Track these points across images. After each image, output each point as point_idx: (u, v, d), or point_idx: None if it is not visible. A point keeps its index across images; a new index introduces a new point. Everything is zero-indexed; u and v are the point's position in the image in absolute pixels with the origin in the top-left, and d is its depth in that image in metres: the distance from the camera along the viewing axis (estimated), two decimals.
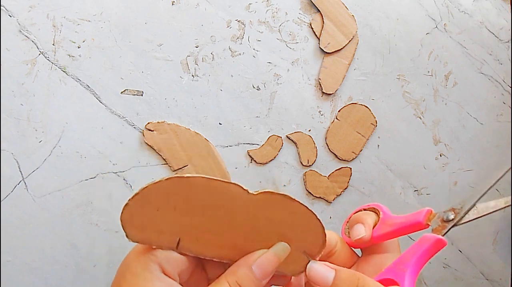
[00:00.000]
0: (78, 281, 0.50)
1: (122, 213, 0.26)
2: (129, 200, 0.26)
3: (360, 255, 0.32)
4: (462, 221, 0.27)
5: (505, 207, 0.26)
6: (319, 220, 0.28)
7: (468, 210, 0.27)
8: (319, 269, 0.26)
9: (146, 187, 0.25)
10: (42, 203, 0.49)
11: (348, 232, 0.32)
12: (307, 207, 0.27)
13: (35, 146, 0.49)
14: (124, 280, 0.26)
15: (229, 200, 0.26)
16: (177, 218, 0.26)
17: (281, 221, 0.27)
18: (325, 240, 0.28)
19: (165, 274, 0.25)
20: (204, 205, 0.26)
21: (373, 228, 0.30)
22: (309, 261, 0.27)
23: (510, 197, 0.27)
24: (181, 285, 0.26)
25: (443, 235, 0.26)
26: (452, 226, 0.27)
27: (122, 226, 0.26)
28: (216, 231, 0.27)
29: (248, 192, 0.26)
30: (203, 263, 0.29)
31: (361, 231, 0.29)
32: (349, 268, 0.31)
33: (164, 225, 0.26)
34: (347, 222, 0.33)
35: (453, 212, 0.27)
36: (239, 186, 0.26)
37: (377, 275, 0.28)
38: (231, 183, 0.26)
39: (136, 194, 0.25)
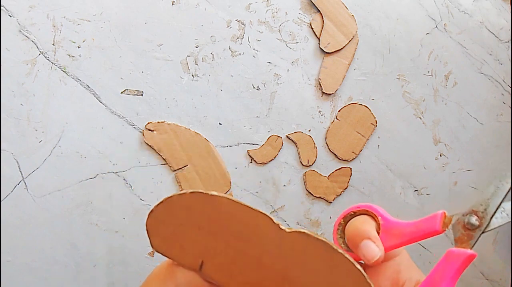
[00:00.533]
0: (78, 281, 0.50)
1: (147, 219, 0.24)
2: (154, 206, 0.24)
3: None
4: (491, 227, 0.23)
5: None
6: (364, 276, 0.23)
7: (495, 213, 0.22)
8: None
9: (170, 197, 0.24)
10: (42, 203, 0.49)
11: (342, 241, 0.28)
12: (351, 260, 0.23)
13: (35, 146, 0.49)
14: None
15: (257, 233, 0.23)
16: (202, 238, 0.24)
17: (317, 272, 0.23)
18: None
19: None
20: (230, 231, 0.24)
21: None
22: None
23: None
24: None
25: (471, 247, 0.23)
26: (481, 234, 0.23)
27: (147, 233, 0.24)
28: (242, 265, 0.24)
29: (279, 227, 0.23)
30: None
31: (375, 252, 0.25)
32: None
33: (187, 243, 0.24)
34: (338, 228, 0.29)
35: (476, 216, 0.23)
36: (269, 218, 0.23)
37: None
38: (259, 212, 0.23)
39: (160, 203, 0.24)
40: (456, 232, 0.24)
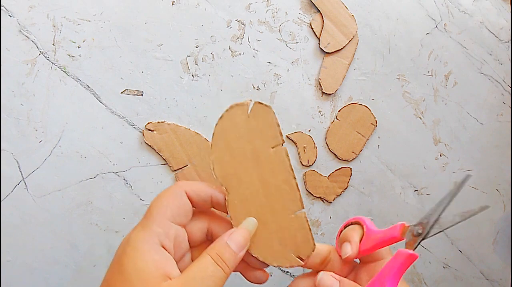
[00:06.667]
0: (78, 281, 0.50)
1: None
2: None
3: (357, 262, 0.36)
4: (428, 235, 0.30)
5: (460, 221, 0.29)
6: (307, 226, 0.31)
7: (432, 225, 0.30)
8: (325, 278, 0.31)
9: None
10: (42, 203, 0.49)
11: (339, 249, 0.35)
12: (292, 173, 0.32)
13: (35, 146, 0.49)
14: (124, 255, 0.28)
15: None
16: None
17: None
18: (314, 247, 0.32)
19: (163, 247, 0.29)
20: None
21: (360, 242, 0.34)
22: (300, 262, 0.32)
23: (465, 212, 0.29)
24: (175, 261, 0.29)
25: (414, 249, 0.30)
26: (421, 241, 0.30)
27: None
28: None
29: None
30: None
31: (348, 250, 0.33)
32: (346, 276, 0.35)
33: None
34: (339, 236, 0.36)
35: (420, 227, 0.30)
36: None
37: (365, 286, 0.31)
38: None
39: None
40: (408, 238, 0.31)
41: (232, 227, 0.31)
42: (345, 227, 0.36)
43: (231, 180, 0.31)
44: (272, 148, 0.31)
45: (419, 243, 0.30)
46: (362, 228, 0.35)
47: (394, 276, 0.29)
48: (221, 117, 0.31)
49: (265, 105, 0.31)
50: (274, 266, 0.32)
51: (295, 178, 0.31)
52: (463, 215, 0.29)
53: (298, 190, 0.31)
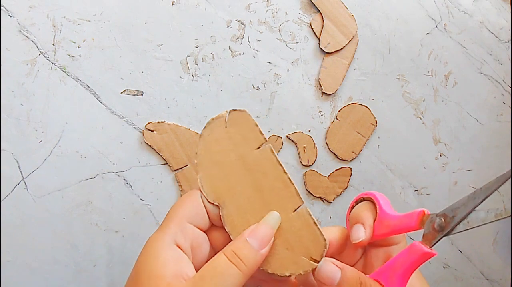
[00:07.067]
0: (78, 281, 0.50)
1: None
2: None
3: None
4: (452, 232, 0.26)
5: (495, 221, 0.25)
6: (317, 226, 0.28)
7: (459, 222, 0.25)
8: (327, 267, 0.27)
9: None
10: (42, 203, 0.49)
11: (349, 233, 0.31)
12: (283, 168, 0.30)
13: (35, 146, 0.49)
14: (139, 256, 0.27)
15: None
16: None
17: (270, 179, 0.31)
18: (325, 243, 0.28)
19: (178, 246, 0.27)
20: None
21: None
22: (313, 264, 0.28)
23: (500, 210, 0.25)
24: (193, 263, 0.28)
25: (431, 246, 0.26)
26: (442, 237, 0.26)
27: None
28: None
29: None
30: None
31: (361, 235, 0.29)
32: (356, 262, 0.31)
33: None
34: (349, 214, 0.32)
35: (444, 220, 0.26)
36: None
37: (370, 275, 0.28)
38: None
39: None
40: (426, 229, 0.26)
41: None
42: (356, 202, 0.32)
43: (222, 194, 0.30)
44: (257, 149, 0.30)
45: (439, 240, 0.26)
46: (375, 207, 0.31)
47: (404, 273, 0.26)
48: (200, 135, 0.31)
49: (239, 110, 0.31)
50: (288, 276, 0.28)
51: (286, 172, 0.30)
52: (499, 214, 0.25)
53: (292, 184, 0.29)
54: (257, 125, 0.30)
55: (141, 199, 0.52)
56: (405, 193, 0.62)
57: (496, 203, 0.66)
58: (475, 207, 0.25)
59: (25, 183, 0.49)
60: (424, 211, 0.27)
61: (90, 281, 0.51)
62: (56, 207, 0.49)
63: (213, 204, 0.30)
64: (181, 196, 0.53)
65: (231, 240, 0.28)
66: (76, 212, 0.50)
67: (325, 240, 0.28)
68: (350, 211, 0.32)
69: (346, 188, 0.59)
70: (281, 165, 0.30)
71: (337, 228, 0.31)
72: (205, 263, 0.28)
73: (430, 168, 0.63)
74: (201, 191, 0.30)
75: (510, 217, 0.24)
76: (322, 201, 0.58)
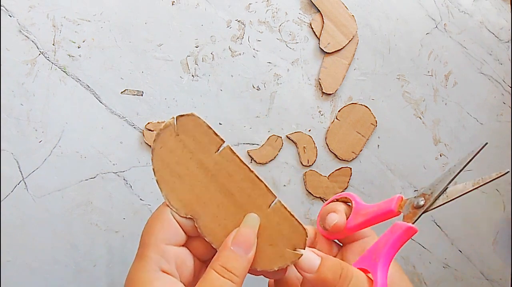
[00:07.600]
0: (78, 281, 0.50)
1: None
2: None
3: (341, 245, 0.33)
4: (432, 207, 0.27)
5: (473, 189, 0.26)
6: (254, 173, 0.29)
7: (438, 196, 0.26)
8: (306, 255, 0.27)
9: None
10: (42, 203, 0.49)
11: (323, 225, 0.32)
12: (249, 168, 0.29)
13: (35, 146, 0.49)
14: (128, 285, 0.27)
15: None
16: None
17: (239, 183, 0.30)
18: (305, 232, 0.28)
19: (164, 272, 0.27)
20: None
21: (347, 218, 0.31)
22: (298, 253, 0.28)
23: (478, 179, 0.26)
24: (181, 282, 0.27)
25: (413, 223, 0.26)
26: (423, 213, 0.27)
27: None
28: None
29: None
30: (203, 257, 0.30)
31: (335, 217, 0.30)
32: (334, 257, 0.32)
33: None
34: (320, 215, 0.33)
35: (423, 198, 0.27)
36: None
37: (353, 264, 0.28)
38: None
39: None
40: (406, 211, 0.28)
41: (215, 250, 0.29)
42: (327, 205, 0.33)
43: (193, 206, 0.29)
44: (216, 152, 0.29)
45: (420, 216, 0.27)
46: (351, 204, 0.31)
47: (388, 251, 0.26)
48: (152, 149, 0.29)
49: (187, 114, 0.29)
50: (276, 270, 0.28)
51: (252, 170, 0.29)
52: (477, 183, 0.26)
53: (261, 181, 0.28)
54: (210, 127, 0.29)
55: (141, 199, 0.52)
56: (405, 193, 0.62)
57: (496, 202, 0.66)
58: (452, 180, 0.26)
59: (25, 183, 0.49)
60: (402, 197, 0.28)
61: (90, 281, 0.51)
62: (56, 207, 0.49)
63: (186, 217, 0.29)
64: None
65: (214, 248, 0.28)
66: (76, 212, 0.50)
67: (304, 229, 0.28)
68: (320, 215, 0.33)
69: (346, 188, 0.59)
70: (245, 164, 0.29)
71: (309, 226, 0.32)
72: (193, 276, 0.29)
73: (430, 168, 0.63)
74: (170, 207, 0.29)
75: (488, 184, 0.25)
76: (322, 201, 0.59)
